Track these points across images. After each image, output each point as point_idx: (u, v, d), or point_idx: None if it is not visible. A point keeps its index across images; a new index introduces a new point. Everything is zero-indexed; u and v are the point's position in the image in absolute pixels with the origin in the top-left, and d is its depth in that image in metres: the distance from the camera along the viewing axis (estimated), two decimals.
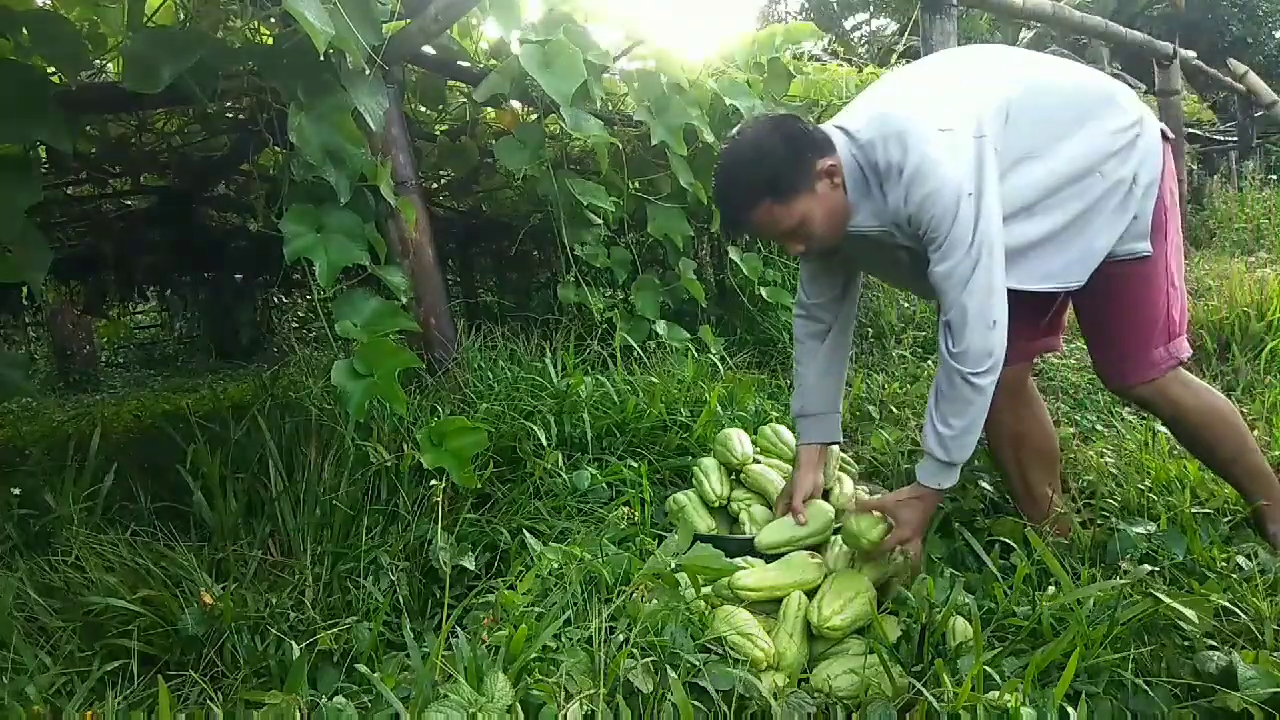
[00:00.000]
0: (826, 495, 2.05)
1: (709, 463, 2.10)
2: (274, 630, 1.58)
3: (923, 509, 1.67)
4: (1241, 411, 1.92)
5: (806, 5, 21.75)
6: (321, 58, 1.76)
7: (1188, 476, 2.02)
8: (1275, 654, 1.32)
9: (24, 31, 1.76)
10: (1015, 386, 1.86)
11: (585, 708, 1.24)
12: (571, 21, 2.69)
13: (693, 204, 3.37)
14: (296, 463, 2.06)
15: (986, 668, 1.31)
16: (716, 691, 1.32)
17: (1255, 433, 2.29)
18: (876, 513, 1.69)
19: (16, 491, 1.98)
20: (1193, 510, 1.80)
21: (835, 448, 2.08)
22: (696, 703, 1.30)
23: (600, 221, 3.14)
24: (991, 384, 1.59)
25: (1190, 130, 9.65)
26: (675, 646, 1.38)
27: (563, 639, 1.41)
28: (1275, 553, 1.70)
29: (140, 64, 1.77)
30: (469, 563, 1.79)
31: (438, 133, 3.64)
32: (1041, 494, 1.90)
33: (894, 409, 2.93)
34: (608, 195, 2.97)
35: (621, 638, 1.40)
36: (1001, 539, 1.80)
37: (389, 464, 2.04)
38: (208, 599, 1.60)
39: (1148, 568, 1.58)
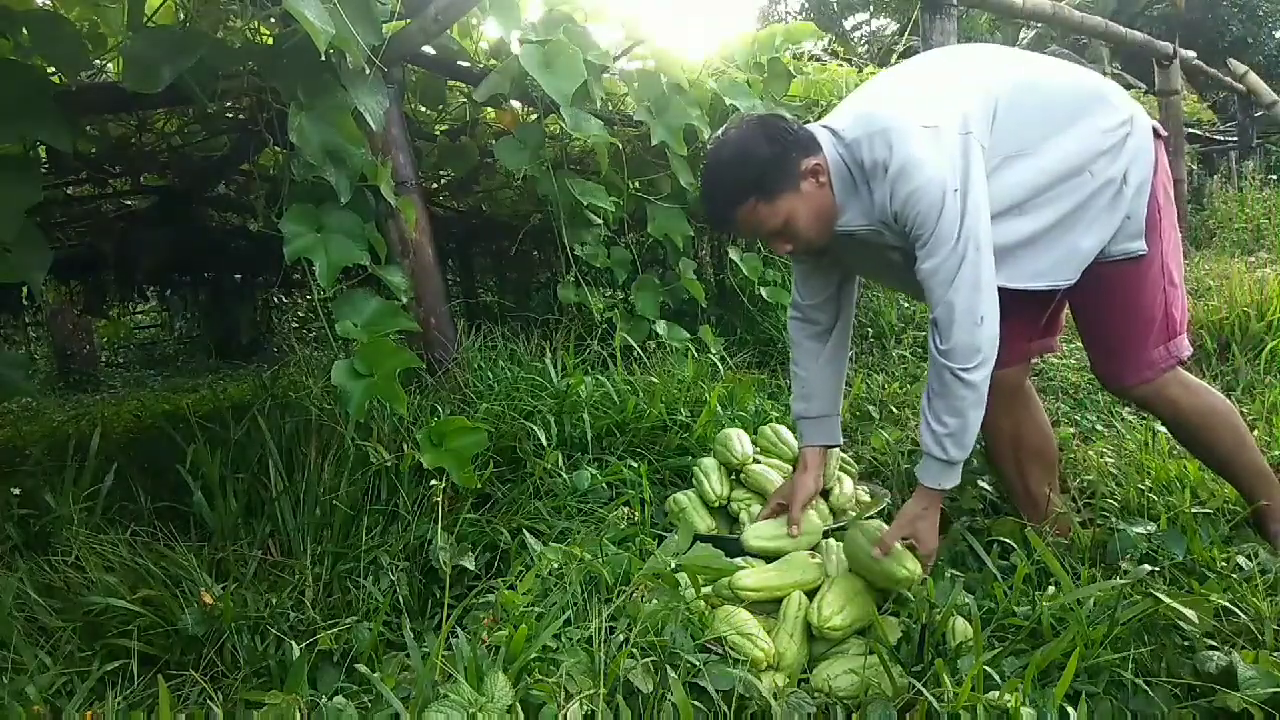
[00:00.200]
0: (826, 495, 2.05)
1: (709, 463, 2.10)
2: (274, 630, 1.58)
3: (933, 518, 1.66)
4: (1241, 412, 1.92)
5: (806, 5, 21.76)
6: (322, 58, 1.76)
7: (1188, 476, 2.02)
8: (1275, 654, 1.32)
9: (24, 31, 1.76)
10: (1013, 388, 1.86)
11: (585, 708, 1.24)
12: (571, 21, 2.69)
13: (693, 204, 3.37)
14: (296, 463, 2.06)
15: (986, 668, 1.31)
16: (716, 691, 1.32)
17: (1255, 433, 2.30)
18: (898, 543, 1.65)
19: (16, 491, 1.98)
20: (1193, 510, 1.80)
21: (836, 449, 2.08)
22: (696, 703, 1.30)
23: (600, 221, 3.14)
24: (983, 380, 1.58)
25: (1190, 130, 9.65)
26: (675, 646, 1.38)
27: (563, 639, 1.41)
28: (1275, 553, 1.70)
29: (140, 64, 1.77)
30: (469, 563, 1.79)
31: (438, 133, 3.64)
32: (1041, 495, 1.90)
33: (894, 409, 2.93)
34: (608, 195, 2.97)
35: (621, 638, 1.40)
36: (1001, 539, 1.80)
37: (389, 464, 2.04)
38: (208, 599, 1.60)
39: (1148, 568, 1.58)
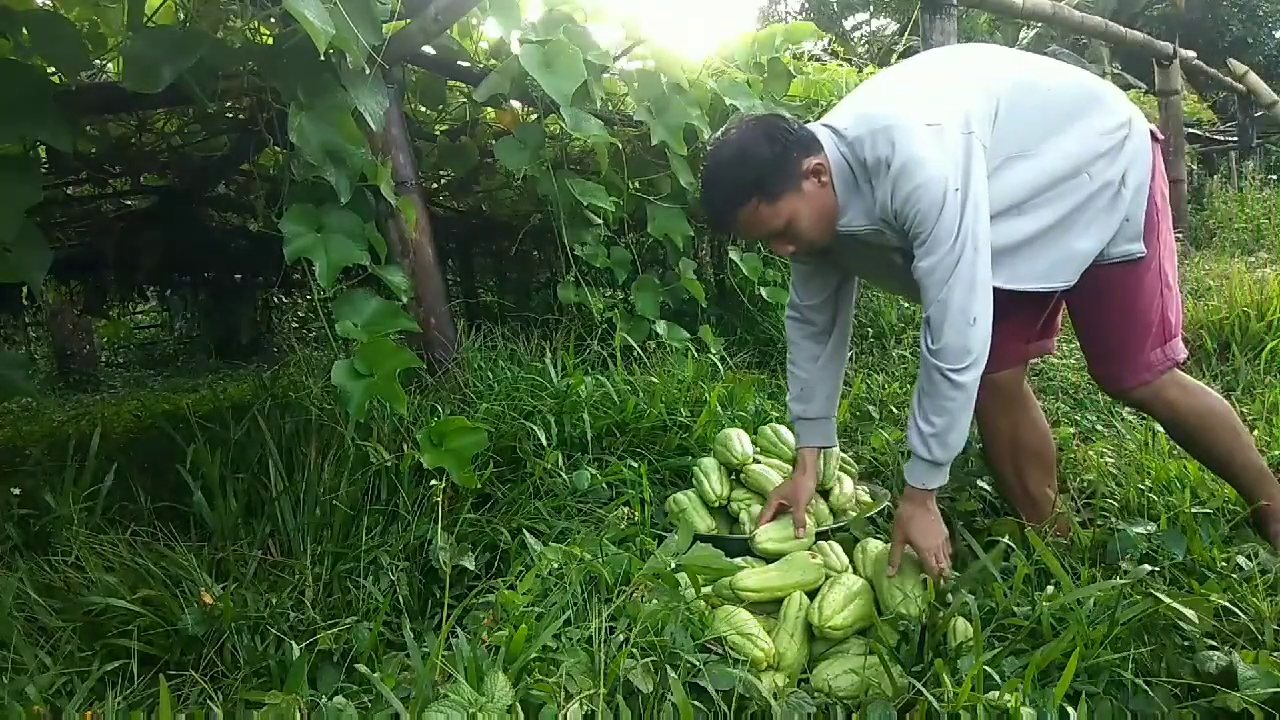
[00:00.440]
0: (826, 495, 2.05)
1: (709, 463, 2.10)
2: (274, 630, 1.58)
3: (925, 515, 1.65)
4: (1241, 412, 1.92)
5: (806, 5, 21.76)
6: (322, 57, 1.76)
7: (1188, 476, 2.02)
8: (1275, 654, 1.32)
9: (24, 31, 1.76)
10: (1011, 390, 1.86)
11: (585, 708, 1.24)
12: (571, 21, 2.69)
13: (693, 204, 3.37)
14: (296, 463, 2.06)
15: (986, 668, 1.31)
16: (716, 691, 1.32)
17: (1255, 433, 2.30)
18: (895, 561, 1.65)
19: (16, 491, 1.98)
20: (1193, 510, 1.80)
21: (836, 449, 2.08)
22: (696, 703, 1.30)
23: (600, 221, 3.15)
24: (973, 381, 1.58)
25: (1190, 130, 9.65)
26: (675, 646, 1.38)
27: (563, 639, 1.41)
28: (1275, 553, 1.70)
29: (140, 64, 1.77)
30: (469, 563, 1.79)
31: (438, 133, 3.64)
32: (1040, 496, 1.90)
33: (894, 409, 2.93)
34: (608, 195, 2.97)
35: (621, 638, 1.40)
36: (1001, 539, 1.80)
37: (389, 464, 2.04)
38: (208, 599, 1.60)
39: (1148, 568, 1.58)
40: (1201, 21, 16.78)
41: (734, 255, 3.84)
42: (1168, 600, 1.38)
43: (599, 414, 2.48)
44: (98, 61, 2.33)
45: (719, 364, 3.19)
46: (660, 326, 3.36)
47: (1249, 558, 1.63)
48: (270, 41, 2.12)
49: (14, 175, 1.72)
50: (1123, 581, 1.47)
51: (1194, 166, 10.49)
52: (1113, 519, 1.95)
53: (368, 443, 2.10)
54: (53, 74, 1.94)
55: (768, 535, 1.81)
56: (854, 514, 1.99)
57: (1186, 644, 1.39)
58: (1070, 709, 1.22)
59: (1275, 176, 9.98)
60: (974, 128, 1.55)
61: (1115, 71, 14.42)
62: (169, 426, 2.58)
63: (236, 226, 4.85)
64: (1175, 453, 2.21)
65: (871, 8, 21.25)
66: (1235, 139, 10.42)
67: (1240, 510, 1.82)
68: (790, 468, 2.13)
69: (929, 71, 1.72)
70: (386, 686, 1.27)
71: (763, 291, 3.88)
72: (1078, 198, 1.61)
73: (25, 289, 4.99)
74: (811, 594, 1.62)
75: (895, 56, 4.92)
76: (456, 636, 1.39)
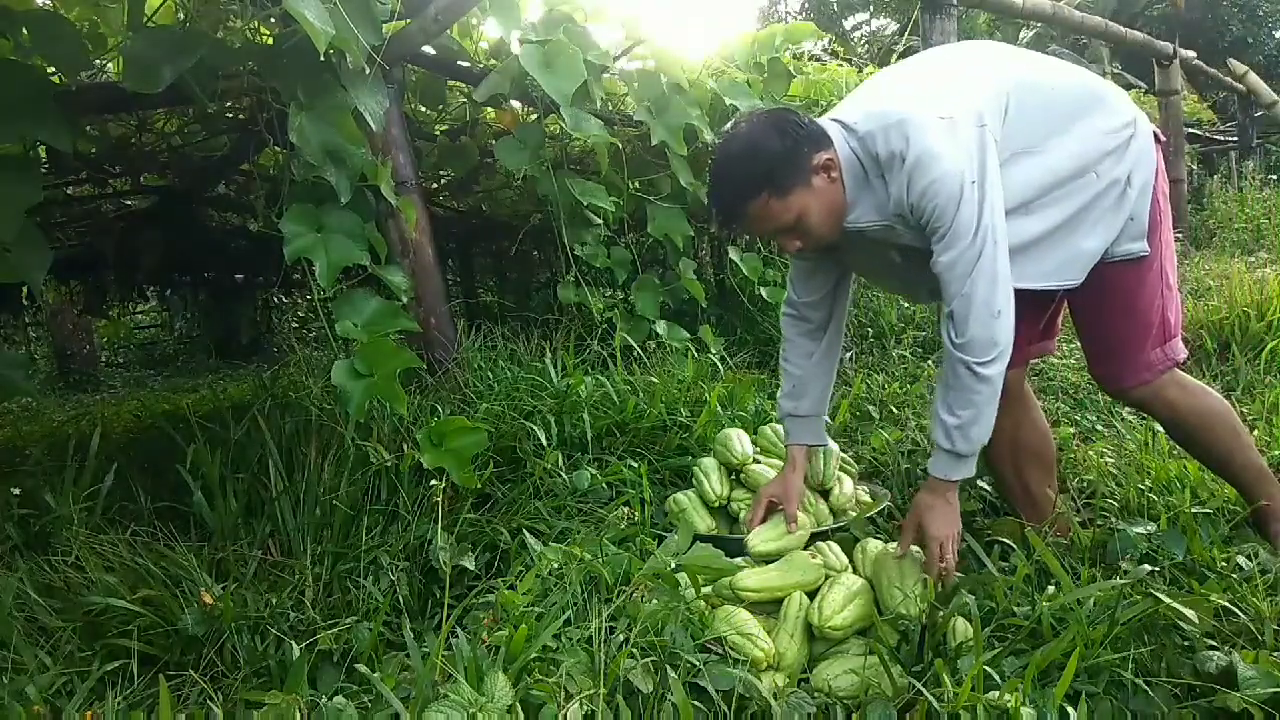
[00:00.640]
0: (826, 495, 2.05)
1: (709, 463, 2.10)
2: (274, 630, 1.58)
3: (944, 507, 1.64)
4: (1241, 412, 1.92)
5: (806, 5, 21.76)
6: (322, 58, 1.76)
7: (1188, 476, 2.02)
8: (1275, 654, 1.32)
9: (24, 31, 1.76)
10: (1013, 390, 1.86)
11: (585, 708, 1.24)
12: (571, 21, 2.69)
13: (693, 204, 3.37)
14: (296, 463, 2.06)
15: (986, 668, 1.30)
16: (716, 691, 1.32)
17: (1255, 433, 2.30)
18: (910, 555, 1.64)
19: (16, 491, 1.98)
20: (1193, 510, 1.80)
21: (835, 447, 2.08)
22: (696, 703, 1.30)
23: (600, 221, 3.15)
24: (998, 374, 1.57)
25: (1190, 130, 9.65)
26: (675, 646, 1.38)
27: (563, 639, 1.41)
28: (1275, 553, 1.70)
29: (140, 64, 1.77)
30: (469, 563, 1.79)
31: (438, 133, 3.64)
32: (1041, 495, 1.90)
33: (894, 409, 2.93)
34: (608, 195, 2.97)
35: (621, 638, 1.40)
36: (1001, 539, 1.80)
37: (389, 464, 2.04)
38: (208, 599, 1.59)
39: (1148, 568, 1.58)
40: (1201, 21, 16.78)
41: (734, 255, 3.85)
42: (1168, 600, 1.38)
43: (599, 414, 2.48)
44: (98, 61, 2.32)
45: (719, 364, 3.19)
46: (660, 326, 3.36)
47: (1249, 558, 1.63)
48: (270, 41, 2.12)
49: (14, 175, 1.72)
50: (1123, 581, 1.47)
51: (1194, 166, 10.49)
52: (1113, 519, 1.95)
53: (368, 443, 2.10)
54: (53, 74, 1.94)
55: (761, 537, 1.80)
56: (854, 514, 1.99)
57: (1186, 644, 1.39)
58: (1070, 709, 1.22)
59: (1275, 176, 9.98)
60: (986, 121, 1.55)
61: (1115, 71, 14.42)
62: (169, 426, 2.58)
63: (236, 226, 4.85)
64: (1175, 453, 2.21)
65: (871, 8, 21.25)
66: (1235, 139, 10.42)
67: (1240, 510, 1.82)
68: None
69: (935, 68, 1.72)
70: (386, 686, 1.27)
71: (763, 291, 3.88)
72: (1085, 197, 1.61)
73: (25, 289, 4.99)
74: (811, 594, 1.62)
75: (895, 56, 4.92)
76: (456, 636, 1.39)
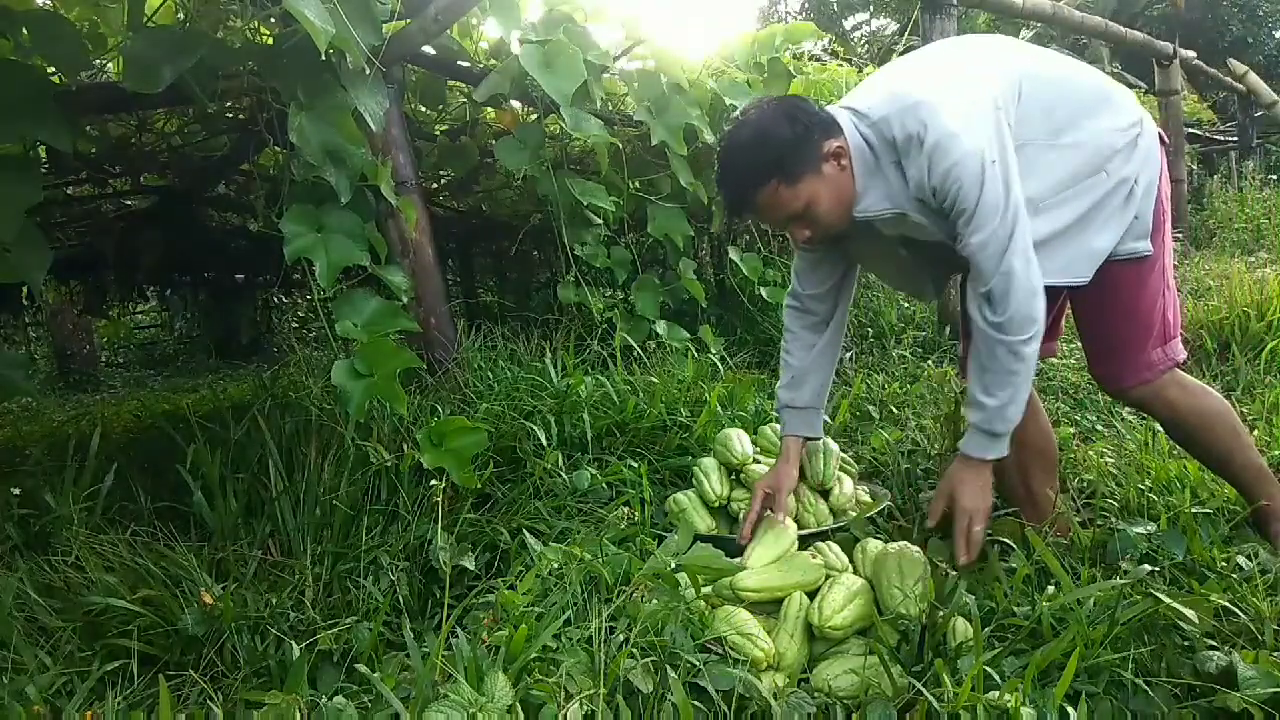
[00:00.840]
0: (826, 495, 2.05)
1: (709, 463, 2.10)
2: (274, 630, 1.58)
3: (977, 481, 1.64)
4: (1241, 412, 1.92)
5: (806, 5, 21.76)
6: (322, 57, 1.76)
7: (1188, 476, 2.02)
8: (1275, 654, 1.32)
9: (24, 31, 1.76)
10: None
11: (585, 708, 1.24)
12: (571, 21, 2.70)
13: (693, 204, 3.37)
14: (296, 463, 2.06)
15: (986, 668, 1.30)
16: (716, 691, 1.32)
17: (1255, 433, 2.30)
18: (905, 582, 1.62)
19: (16, 491, 1.98)
20: (1193, 510, 1.80)
21: (836, 447, 2.08)
22: (696, 703, 1.30)
23: (600, 221, 3.15)
24: (1034, 352, 1.56)
25: (1190, 130, 9.65)
26: (675, 646, 1.38)
27: (563, 639, 1.41)
28: (1275, 553, 1.70)
29: (140, 64, 1.77)
30: (469, 563, 1.79)
31: (438, 133, 3.65)
32: (1042, 495, 1.90)
33: (894, 409, 2.93)
34: (608, 195, 2.97)
35: (621, 638, 1.40)
36: (1001, 539, 1.80)
37: (389, 464, 2.04)
38: (208, 599, 1.59)
39: (1148, 568, 1.58)
40: (1201, 21, 16.78)
41: (734, 255, 3.85)
42: (1168, 600, 1.38)
43: (599, 414, 2.48)
44: (98, 61, 2.33)
45: (719, 364, 3.20)
46: (660, 326, 3.37)
47: (1249, 558, 1.63)
48: (270, 41, 2.12)
49: (14, 175, 1.72)
50: (1123, 581, 1.47)
51: (1194, 166, 10.49)
52: (1113, 519, 1.95)
53: (368, 443, 2.10)
54: (53, 74, 1.94)
55: (751, 573, 1.68)
56: (854, 514, 1.99)
57: (1186, 644, 1.39)
58: (1070, 709, 1.22)
59: (1275, 176, 9.98)
60: (1000, 105, 1.54)
61: (1115, 71, 14.41)
62: (169, 426, 2.58)
63: (236, 226, 4.85)
64: (1175, 453, 2.21)
65: (871, 8, 21.25)
66: (1235, 139, 10.42)
67: (1240, 510, 1.82)
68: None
69: (945, 58, 1.70)
70: (386, 686, 1.27)
71: (763, 291, 3.89)
72: (1096, 195, 1.61)
73: (25, 289, 4.99)
74: (811, 594, 1.62)
75: (895, 56, 4.92)
76: (456, 636, 1.39)
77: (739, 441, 2.11)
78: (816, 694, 1.41)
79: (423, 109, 3.49)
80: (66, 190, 3.75)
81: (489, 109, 3.41)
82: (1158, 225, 1.68)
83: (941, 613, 1.48)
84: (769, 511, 1.87)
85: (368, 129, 2.11)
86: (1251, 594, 1.48)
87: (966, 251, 1.55)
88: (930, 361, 3.61)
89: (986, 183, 1.49)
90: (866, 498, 2.13)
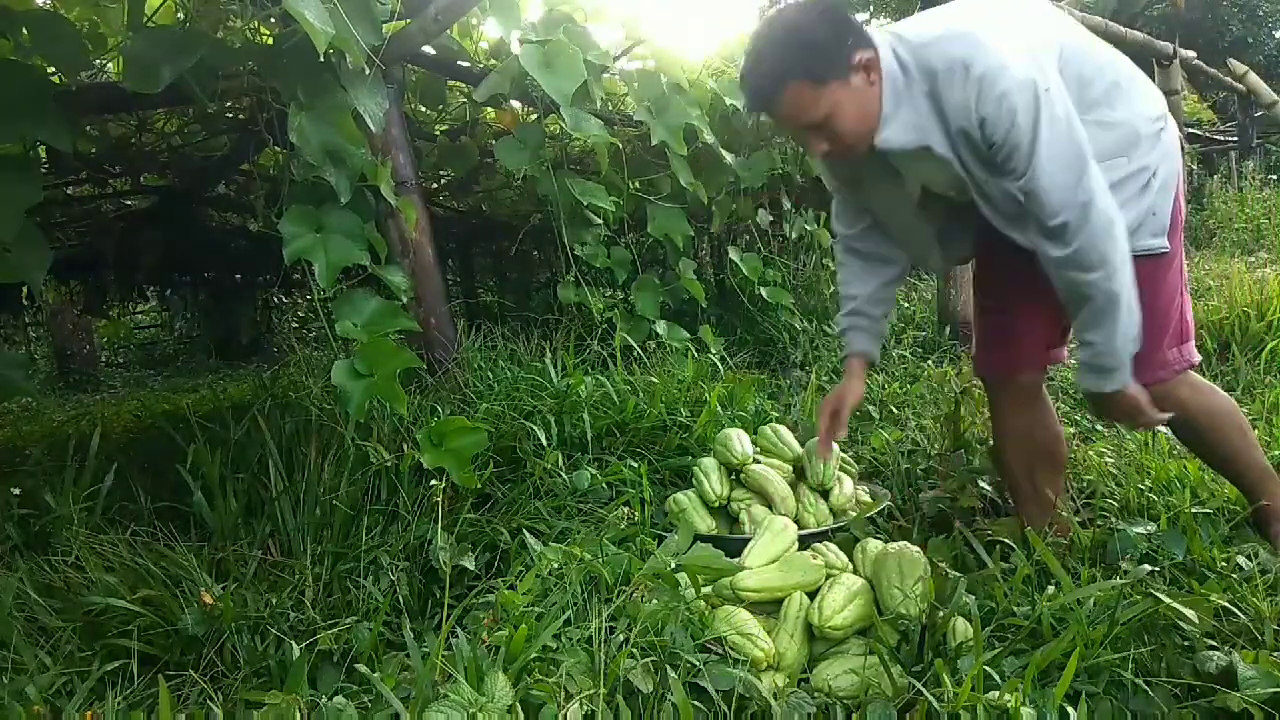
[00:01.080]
0: (826, 495, 2.05)
1: (709, 463, 2.10)
2: (274, 630, 1.58)
3: (1115, 403, 1.62)
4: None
5: None
6: (321, 58, 1.76)
7: (1188, 476, 2.02)
8: (1275, 654, 1.32)
9: (24, 31, 1.76)
10: (1032, 392, 1.85)
11: (585, 708, 1.24)
12: (571, 21, 2.70)
13: (693, 204, 3.37)
14: (296, 463, 2.06)
15: (986, 668, 1.31)
16: (716, 691, 1.32)
17: (1255, 432, 2.29)
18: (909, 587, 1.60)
19: (16, 491, 1.98)
20: (1193, 510, 1.80)
21: (836, 447, 2.09)
22: (696, 703, 1.30)
23: (600, 221, 3.15)
24: (1117, 289, 1.51)
25: (1190, 130, 9.66)
26: (675, 646, 1.38)
27: (563, 639, 1.41)
28: (1275, 553, 1.70)
29: (140, 64, 1.77)
30: (469, 563, 1.79)
31: (438, 133, 3.65)
32: (1045, 496, 1.89)
33: (894, 409, 2.93)
34: (608, 195, 2.97)
35: (621, 638, 1.40)
36: (1001, 539, 1.80)
37: (389, 464, 2.04)
38: (208, 599, 1.60)
39: (1148, 568, 1.58)
40: (1201, 21, 16.77)
41: (734, 255, 3.85)
42: (1168, 600, 1.38)
43: (599, 414, 2.48)
44: (98, 61, 2.33)
45: (719, 364, 3.20)
46: (660, 326, 3.36)
47: (1249, 558, 1.63)
48: (270, 41, 2.12)
49: (14, 175, 1.72)
50: (1123, 581, 1.47)
51: (1194, 166, 10.48)
52: (1113, 519, 1.95)
53: (368, 443, 2.10)
54: (53, 74, 1.94)
55: (751, 573, 1.69)
56: (854, 514, 1.99)
57: (1186, 644, 1.39)
58: (1070, 709, 1.22)
59: (1275, 176, 9.99)
60: (1040, 61, 1.50)
61: None
62: (169, 426, 2.58)
63: (236, 226, 4.86)
64: (1175, 453, 2.21)
65: (871, 7, 21.24)
66: (1235, 139, 10.42)
67: (1240, 510, 1.82)
68: (790, 468, 2.13)
69: (991, 10, 1.64)
70: (386, 686, 1.27)
71: (763, 291, 3.89)
72: (1113, 177, 1.58)
73: (25, 289, 5.00)
74: (811, 594, 1.62)
75: None
76: (456, 636, 1.39)
77: (739, 441, 2.11)
78: (816, 694, 1.41)
79: (423, 109, 3.49)
80: (66, 190, 3.76)
81: (489, 109, 3.41)
82: (1175, 224, 1.67)
83: (941, 613, 1.48)
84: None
85: (367, 129, 2.11)
86: (1251, 594, 1.48)
87: (1030, 186, 1.49)
88: (930, 361, 3.61)
89: (1043, 109, 1.44)
90: (866, 498, 2.13)
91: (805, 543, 1.82)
